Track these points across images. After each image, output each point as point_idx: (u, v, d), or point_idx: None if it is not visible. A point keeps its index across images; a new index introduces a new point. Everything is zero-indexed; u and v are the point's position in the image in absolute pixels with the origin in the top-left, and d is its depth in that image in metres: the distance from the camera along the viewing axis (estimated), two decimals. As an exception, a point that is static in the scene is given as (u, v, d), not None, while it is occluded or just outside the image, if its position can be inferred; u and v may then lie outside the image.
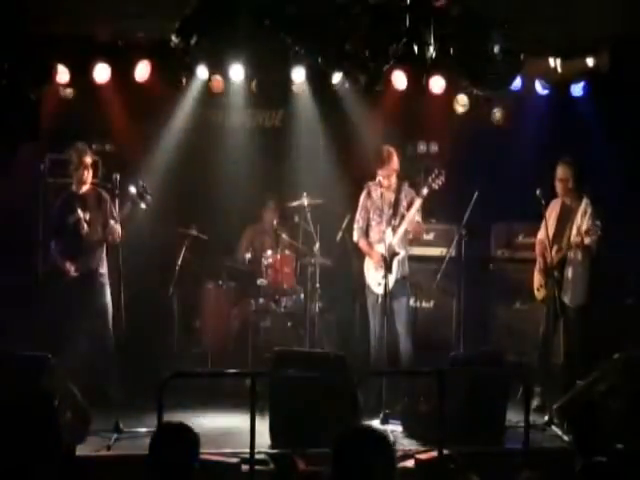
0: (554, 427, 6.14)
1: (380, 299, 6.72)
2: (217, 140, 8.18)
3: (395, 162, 6.77)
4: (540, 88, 7.64)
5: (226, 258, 7.99)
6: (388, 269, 6.56)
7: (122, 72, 6.97)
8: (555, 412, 6.19)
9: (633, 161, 7.49)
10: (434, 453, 5.04)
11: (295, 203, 7.64)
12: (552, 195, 6.84)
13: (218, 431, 5.96)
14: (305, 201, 7.55)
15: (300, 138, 8.30)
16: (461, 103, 7.62)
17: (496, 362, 6.08)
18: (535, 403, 6.57)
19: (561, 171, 6.76)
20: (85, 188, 6.72)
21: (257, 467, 4.97)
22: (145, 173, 7.15)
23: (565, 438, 5.89)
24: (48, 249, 6.82)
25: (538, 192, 6.50)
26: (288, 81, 7.18)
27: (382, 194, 6.74)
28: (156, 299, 7.66)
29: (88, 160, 6.65)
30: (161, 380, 4.71)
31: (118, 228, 6.42)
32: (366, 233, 6.95)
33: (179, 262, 7.61)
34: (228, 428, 6.07)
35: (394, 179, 6.82)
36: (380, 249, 6.74)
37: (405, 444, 5.82)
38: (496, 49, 6.74)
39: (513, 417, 5.93)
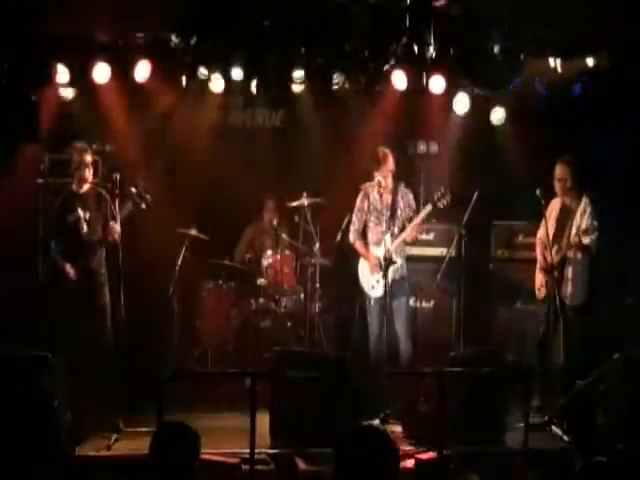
0: (554, 427, 6.14)
1: (373, 301, 6.74)
2: (217, 140, 8.17)
3: (391, 163, 6.76)
4: (540, 88, 7.63)
5: (226, 258, 7.99)
6: (386, 269, 6.55)
7: (122, 72, 6.96)
8: (555, 412, 6.19)
9: (633, 161, 7.48)
10: (434, 453, 5.05)
11: (295, 203, 7.65)
12: (552, 195, 6.84)
13: (218, 431, 5.95)
14: (305, 201, 7.55)
15: (300, 138, 8.31)
16: (461, 103, 7.62)
17: (496, 362, 6.08)
18: (535, 403, 6.56)
19: (559, 170, 6.75)
20: (85, 187, 6.71)
21: (257, 467, 4.97)
22: (145, 173, 7.15)
23: (565, 438, 5.89)
24: (48, 249, 6.81)
25: (538, 192, 6.51)
26: (288, 81, 7.18)
27: (382, 195, 6.74)
28: (156, 299, 7.66)
29: (89, 159, 6.64)
30: (161, 380, 4.71)
31: (118, 228, 6.41)
32: (363, 235, 6.94)
33: (179, 262, 7.61)
34: (228, 428, 6.07)
35: (390, 180, 6.82)
36: (377, 252, 6.75)
37: (405, 444, 5.81)
38: (496, 49, 6.75)
39: (513, 417, 5.93)
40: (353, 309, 7.84)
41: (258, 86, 7.24)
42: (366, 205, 6.90)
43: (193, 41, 6.54)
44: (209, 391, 6.72)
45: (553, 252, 6.62)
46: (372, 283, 6.75)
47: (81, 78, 6.88)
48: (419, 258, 7.77)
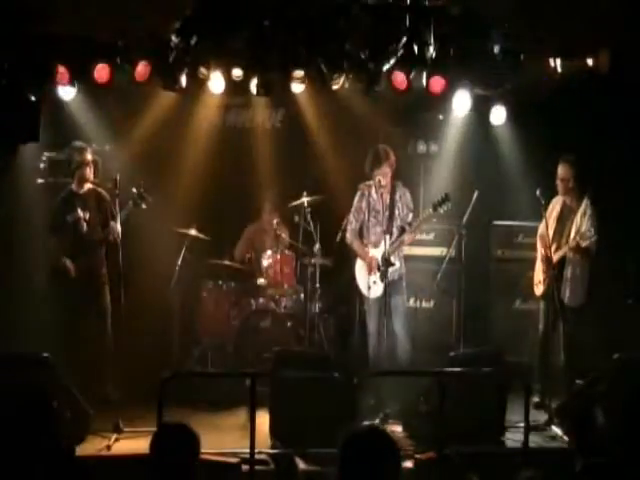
0: (554, 427, 6.15)
1: (370, 301, 6.75)
2: (217, 140, 8.17)
3: (392, 161, 6.77)
4: (540, 87, 7.62)
5: (226, 258, 7.99)
6: (383, 273, 6.55)
7: (122, 72, 6.96)
8: (555, 412, 6.19)
9: (633, 161, 7.49)
10: (434, 453, 5.05)
11: (295, 203, 7.65)
12: (553, 194, 6.85)
13: (218, 431, 5.96)
14: (305, 201, 7.55)
15: (300, 138, 8.30)
16: (461, 103, 7.61)
17: (496, 362, 6.08)
18: (534, 400, 6.55)
19: (562, 170, 6.76)
20: (85, 187, 6.72)
21: (257, 467, 4.98)
22: (145, 173, 7.15)
23: (565, 438, 5.89)
24: (48, 249, 6.81)
25: (538, 192, 6.51)
26: (288, 81, 7.18)
27: (381, 195, 6.74)
28: (156, 299, 7.66)
29: (89, 158, 6.66)
30: (161, 380, 4.71)
31: (118, 228, 6.42)
32: (360, 234, 6.94)
33: (179, 262, 7.61)
34: (228, 428, 6.07)
35: (389, 178, 6.81)
36: (376, 253, 6.74)
37: (405, 444, 5.81)
38: (496, 49, 6.74)
39: (513, 417, 5.93)
40: (353, 309, 7.85)
41: (258, 86, 7.23)
42: (364, 205, 6.90)
43: (193, 41, 6.53)
44: (209, 391, 6.72)
45: (553, 251, 6.63)
46: (369, 283, 6.75)
47: (81, 78, 6.88)
48: (419, 258, 7.77)
